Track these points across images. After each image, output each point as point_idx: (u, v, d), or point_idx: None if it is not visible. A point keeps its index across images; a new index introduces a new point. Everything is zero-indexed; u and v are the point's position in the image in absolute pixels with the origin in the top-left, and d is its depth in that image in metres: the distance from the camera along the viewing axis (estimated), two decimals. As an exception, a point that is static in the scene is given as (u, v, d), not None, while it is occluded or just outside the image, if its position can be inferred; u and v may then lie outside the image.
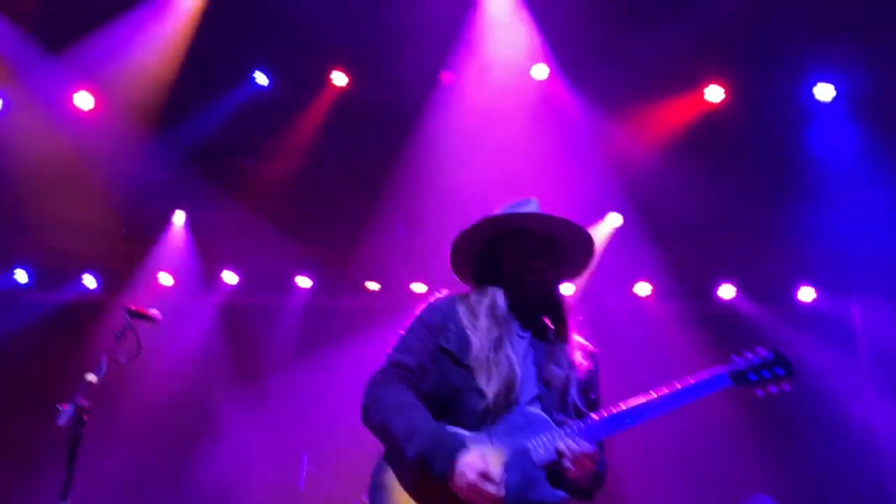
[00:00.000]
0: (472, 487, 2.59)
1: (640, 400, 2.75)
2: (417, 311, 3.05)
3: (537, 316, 3.03)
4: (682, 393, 2.73)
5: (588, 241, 3.07)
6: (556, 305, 3.03)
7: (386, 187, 7.63)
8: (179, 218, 8.07)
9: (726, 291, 8.16)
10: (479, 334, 2.88)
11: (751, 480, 7.08)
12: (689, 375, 2.78)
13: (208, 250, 8.23)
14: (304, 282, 8.42)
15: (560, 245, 3.04)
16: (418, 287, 8.31)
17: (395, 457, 2.78)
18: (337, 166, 7.64)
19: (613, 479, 2.98)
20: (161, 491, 7.59)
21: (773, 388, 2.76)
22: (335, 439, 6.62)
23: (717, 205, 7.26)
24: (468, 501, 2.64)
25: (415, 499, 2.72)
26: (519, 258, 2.98)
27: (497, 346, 2.86)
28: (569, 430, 2.72)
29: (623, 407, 2.75)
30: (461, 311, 2.97)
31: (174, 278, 8.28)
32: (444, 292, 3.10)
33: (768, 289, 8.15)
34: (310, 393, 7.77)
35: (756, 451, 7.45)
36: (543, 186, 6.91)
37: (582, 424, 2.74)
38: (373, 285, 8.45)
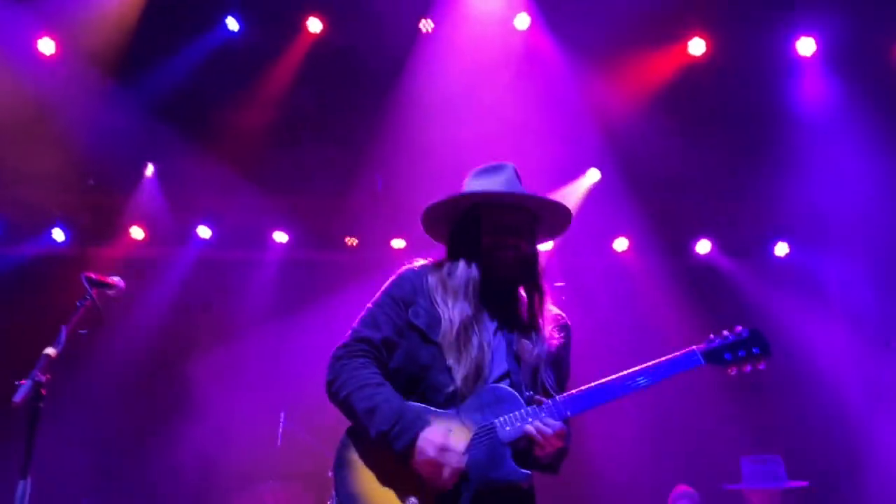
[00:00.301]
0: (431, 462, 2.60)
1: (609, 378, 2.75)
2: (386, 284, 2.98)
3: (511, 288, 2.96)
4: (652, 372, 2.73)
5: (565, 214, 3.01)
6: (530, 275, 2.96)
7: (363, 139, 7.49)
8: (151, 170, 7.87)
9: (703, 246, 8.17)
10: (450, 312, 2.82)
11: (721, 436, 7.14)
12: (664, 354, 2.78)
13: (181, 203, 8.05)
14: (280, 237, 8.30)
15: (537, 215, 2.98)
16: (397, 243, 8.24)
17: (358, 433, 2.77)
18: (313, 117, 7.47)
19: (582, 452, 2.97)
20: (133, 454, 7.53)
21: (747, 368, 2.78)
22: (312, 396, 6.56)
23: (696, 160, 7.21)
24: (428, 478, 2.63)
25: (378, 477, 2.71)
26: (494, 233, 2.90)
27: (468, 326, 2.81)
28: (537, 410, 2.71)
29: (592, 385, 2.75)
30: (432, 283, 2.91)
31: (146, 232, 8.11)
32: (418, 262, 3.03)
33: (744, 244, 8.17)
34: (287, 349, 7.71)
35: (726, 406, 7.51)
36: (524, 140, 6.84)
37: (550, 402, 2.72)
38: (351, 241, 8.35)
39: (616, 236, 8.19)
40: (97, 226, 7.99)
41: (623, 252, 8.25)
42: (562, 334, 2.98)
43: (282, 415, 6.18)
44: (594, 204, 7.61)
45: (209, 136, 7.37)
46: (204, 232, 8.16)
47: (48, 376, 2.83)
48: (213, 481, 6.96)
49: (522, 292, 2.96)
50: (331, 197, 7.88)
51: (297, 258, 8.25)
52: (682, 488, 6.77)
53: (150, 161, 7.79)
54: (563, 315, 3.05)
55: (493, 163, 3.05)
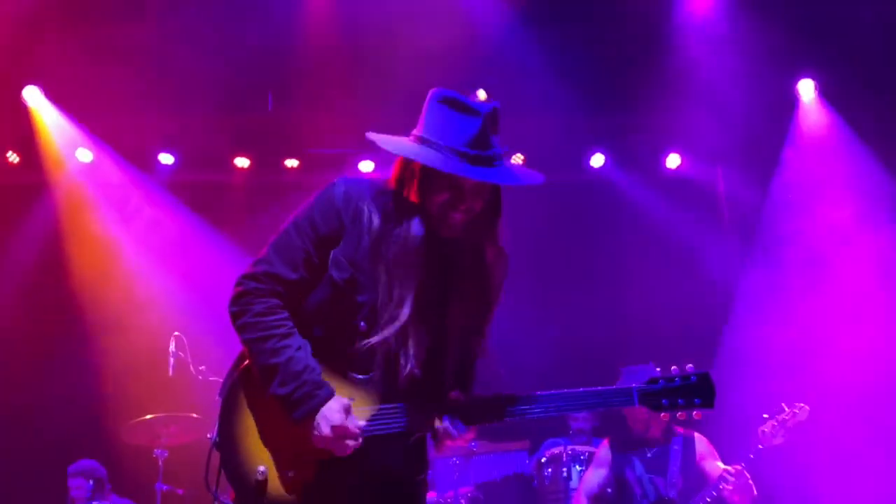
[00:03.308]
0: (325, 440, 2.44)
1: (528, 394, 2.58)
2: (315, 203, 2.58)
3: (455, 249, 2.63)
4: (580, 401, 2.64)
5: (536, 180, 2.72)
6: (479, 235, 2.62)
7: (252, 57, 7.17)
8: (30, 92, 7.35)
9: (597, 160, 8.25)
10: (383, 273, 2.52)
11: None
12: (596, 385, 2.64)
13: (59, 124, 7.61)
14: (166, 158, 7.96)
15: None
16: (291, 163, 8.05)
17: (254, 381, 2.55)
18: (197, 30, 7.07)
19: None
20: (23, 384, 7.30)
21: (681, 415, 2.66)
22: (202, 323, 6.44)
23: (587, 74, 7.18)
24: (318, 451, 2.48)
25: (262, 434, 2.54)
26: (448, 191, 2.50)
27: (402, 293, 2.51)
28: (450, 410, 2.56)
29: (516, 397, 2.58)
30: (367, 217, 2.54)
31: (20, 157, 7.67)
32: (351, 183, 2.60)
33: (637, 156, 8.26)
34: (175, 272, 7.52)
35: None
36: (416, 57, 6.67)
37: (466, 404, 2.58)
38: (242, 161, 8.09)
39: (513, 153, 8.18)
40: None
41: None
42: (501, 270, 2.72)
43: (172, 343, 6.00)
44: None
45: (91, 50, 6.89)
46: (84, 155, 7.76)
47: None
48: (104, 411, 6.80)
49: (472, 250, 2.65)
50: (218, 115, 7.56)
51: (184, 179, 7.97)
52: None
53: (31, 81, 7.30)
54: (503, 249, 2.72)
55: (470, 100, 2.53)
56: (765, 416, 5.21)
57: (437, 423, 2.54)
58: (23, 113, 7.46)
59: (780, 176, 7.83)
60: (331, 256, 2.53)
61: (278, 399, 2.47)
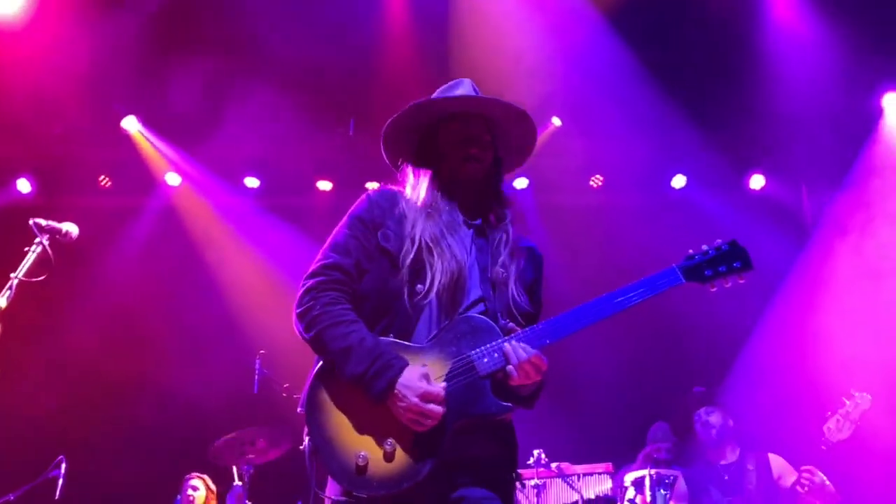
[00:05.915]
0: (412, 409, 2.51)
1: (586, 303, 2.64)
2: (354, 207, 2.88)
3: (479, 209, 2.88)
4: (630, 292, 2.62)
5: (526, 121, 2.91)
6: (497, 197, 2.89)
7: (335, 83, 7.33)
8: (128, 122, 7.63)
9: (678, 181, 8.13)
10: (418, 230, 2.72)
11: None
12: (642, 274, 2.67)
13: (152, 150, 7.91)
14: (252, 182, 8.18)
15: (499, 128, 2.90)
16: (372, 186, 8.15)
17: (329, 373, 2.65)
18: (281, 58, 7.27)
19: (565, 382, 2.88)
20: (117, 404, 7.52)
21: (727, 283, 2.69)
22: (286, 341, 6.53)
23: (667, 94, 7.11)
24: (407, 422, 2.54)
25: (352, 420, 2.60)
26: (456, 145, 2.82)
27: (438, 240, 2.71)
28: (515, 337, 2.61)
29: (568, 311, 2.64)
30: (402, 206, 2.80)
31: (112, 181, 7.97)
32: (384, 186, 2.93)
33: (719, 177, 8.11)
34: (260, 293, 7.68)
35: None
36: (498, 80, 6.70)
37: (528, 330, 2.63)
38: (325, 185, 8.26)
39: (592, 174, 8.14)
40: (64, 175, 7.84)
41: (598, 187, 8.20)
42: (533, 265, 2.90)
43: (257, 361, 6.12)
44: (567, 143, 7.55)
45: (181, 79, 7.14)
46: (173, 179, 8.03)
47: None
48: (195, 429, 6.95)
49: (492, 217, 2.88)
50: (301, 141, 7.74)
51: (270, 202, 8.16)
52: (661, 424, 6.86)
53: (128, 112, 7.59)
54: (535, 246, 2.97)
55: (450, 83, 2.97)
56: (828, 413, 4.98)
57: (507, 348, 2.58)
58: (117, 138, 7.73)
59: (864, 192, 7.57)
60: (378, 235, 2.75)
61: (356, 379, 2.56)
